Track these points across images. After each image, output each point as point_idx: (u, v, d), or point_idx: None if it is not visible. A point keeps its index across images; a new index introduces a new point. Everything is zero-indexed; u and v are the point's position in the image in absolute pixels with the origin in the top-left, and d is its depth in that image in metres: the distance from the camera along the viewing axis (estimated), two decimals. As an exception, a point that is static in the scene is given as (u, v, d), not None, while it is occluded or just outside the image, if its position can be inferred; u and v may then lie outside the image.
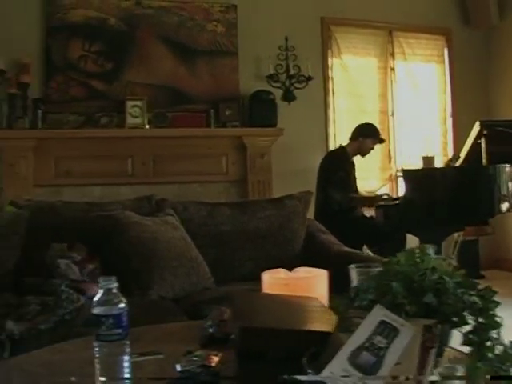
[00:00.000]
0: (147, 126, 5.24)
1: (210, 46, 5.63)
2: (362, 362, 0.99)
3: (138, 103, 5.23)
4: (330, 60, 6.09)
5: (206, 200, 3.66)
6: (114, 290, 1.30)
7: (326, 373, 0.94)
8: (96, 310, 1.28)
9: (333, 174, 4.91)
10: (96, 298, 1.29)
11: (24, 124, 4.97)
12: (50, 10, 5.26)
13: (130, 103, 5.21)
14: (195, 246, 3.08)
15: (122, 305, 1.29)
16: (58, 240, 2.89)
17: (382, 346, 1.03)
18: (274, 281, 1.60)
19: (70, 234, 2.95)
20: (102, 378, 1.27)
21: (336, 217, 4.62)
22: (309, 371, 0.98)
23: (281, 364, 1.15)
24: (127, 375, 1.28)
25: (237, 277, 3.13)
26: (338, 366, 0.97)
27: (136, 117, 5.20)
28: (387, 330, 1.06)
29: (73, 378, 1.28)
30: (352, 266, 1.54)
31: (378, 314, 1.08)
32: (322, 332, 1.12)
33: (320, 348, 1.06)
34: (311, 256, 3.19)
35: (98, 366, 1.28)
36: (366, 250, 4.66)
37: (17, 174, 4.89)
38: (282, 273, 1.66)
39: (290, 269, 1.77)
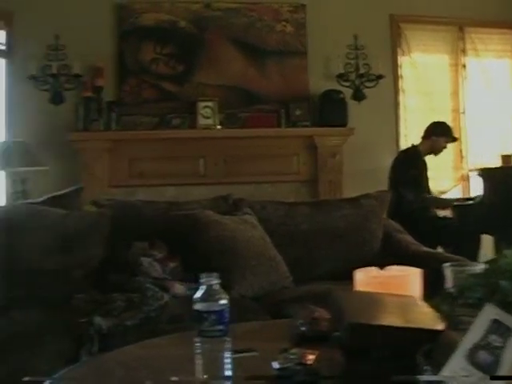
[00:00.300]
0: (219, 127, 5.28)
1: (280, 46, 5.63)
2: (479, 361, 0.97)
3: (210, 104, 5.27)
4: (399, 58, 5.99)
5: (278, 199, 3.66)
6: (216, 287, 1.30)
7: (446, 372, 0.92)
8: (198, 306, 1.28)
9: (405, 173, 4.84)
10: (198, 295, 1.30)
11: (99, 126, 5.10)
12: (123, 15, 5.38)
13: (201, 104, 5.26)
14: (273, 245, 3.08)
15: (223, 301, 1.29)
16: (138, 239, 2.94)
17: (498, 344, 1.00)
18: (367, 279, 1.58)
19: (150, 233, 2.99)
20: (204, 376, 1.27)
21: (410, 217, 4.54)
22: (425, 367, 0.96)
23: (386, 362, 1.13)
24: (229, 373, 1.28)
25: (315, 276, 3.11)
26: (457, 364, 0.95)
27: (208, 117, 5.25)
28: (501, 329, 1.03)
29: (174, 378, 1.28)
30: (446, 264, 1.51)
31: (490, 312, 1.05)
32: (434, 330, 1.10)
33: (432, 346, 1.04)
34: (389, 256, 3.13)
35: (198, 362, 1.29)
36: (440, 250, 4.57)
37: (92, 174, 5.00)
38: (374, 271, 1.64)
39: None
